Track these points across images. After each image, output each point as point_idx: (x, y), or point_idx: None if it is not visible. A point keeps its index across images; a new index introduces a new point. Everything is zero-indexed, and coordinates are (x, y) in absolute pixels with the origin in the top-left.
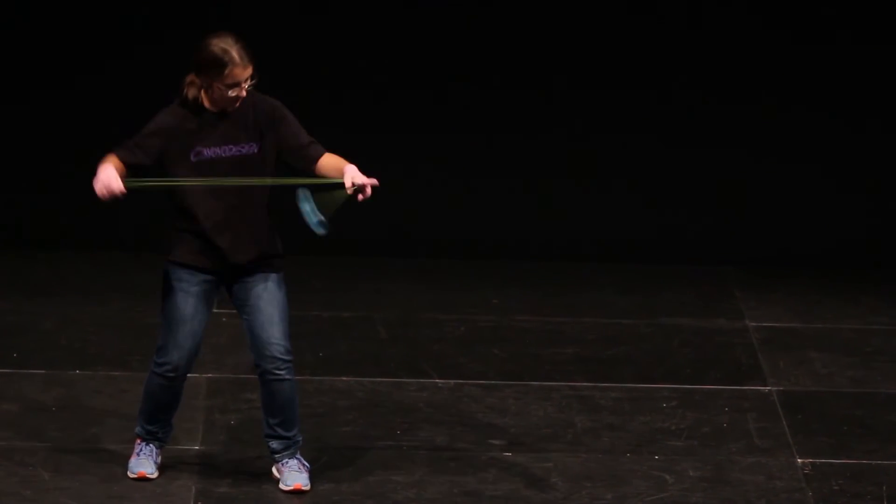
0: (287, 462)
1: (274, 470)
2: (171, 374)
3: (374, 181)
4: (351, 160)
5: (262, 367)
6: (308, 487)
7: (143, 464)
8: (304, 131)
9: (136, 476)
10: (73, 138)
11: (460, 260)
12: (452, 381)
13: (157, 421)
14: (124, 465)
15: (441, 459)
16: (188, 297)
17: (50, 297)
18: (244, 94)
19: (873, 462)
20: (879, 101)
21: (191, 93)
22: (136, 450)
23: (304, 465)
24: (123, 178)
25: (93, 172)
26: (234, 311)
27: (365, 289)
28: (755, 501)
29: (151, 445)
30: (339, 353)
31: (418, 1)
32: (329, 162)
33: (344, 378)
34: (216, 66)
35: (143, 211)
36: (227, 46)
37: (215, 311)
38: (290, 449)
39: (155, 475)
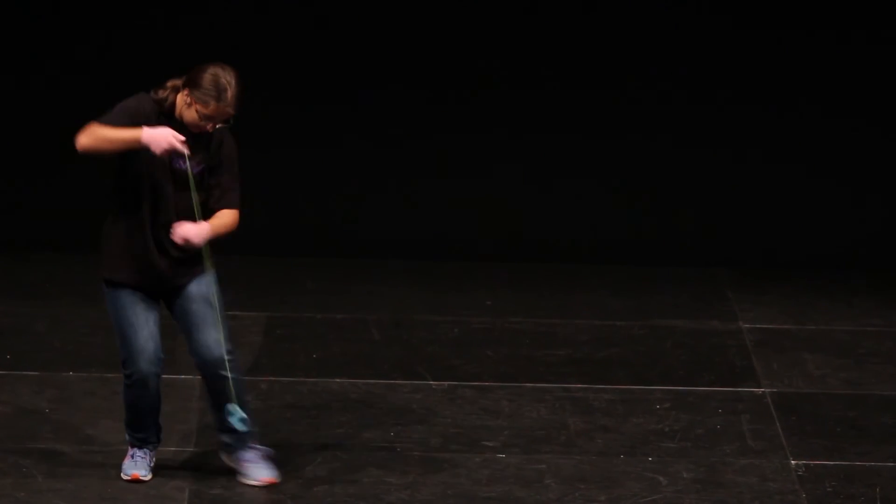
0: (244, 454)
1: (230, 463)
2: (144, 380)
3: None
4: (348, 161)
5: (206, 368)
6: (279, 480)
7: (137, 466)
8: (236, 180)
9: (129, 478)
10: (67, 140)
11: (454, 262)
12: (446, 383)
13: (144, 427)
14: (118, 467)
15: (434, 461)
16: (135, 307)
17: (43, 299)
18: (210, 129)
19: (866, 463)
20: (871, 102)
21: (169, 97)
22: (130, 452)
23: (261, 451)
24: None
25: (86, 174)
26: (228, 313)
27: (358, 290)
28: (748, 503)
29: (145, 449)
30: (332, 355)
31: (418, 4)
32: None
33: (337, 379)
34: (207, 94)
35: None
36: (226, 84)
37: None
38: (243, 441)
39: (148, 477)
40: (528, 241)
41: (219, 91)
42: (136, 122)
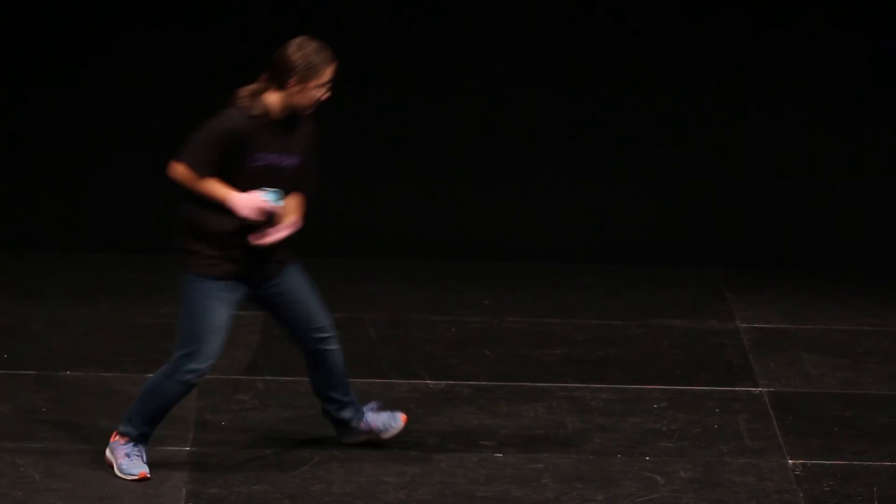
0: (369, 416)
1: (357, 436)
2: (197, 381)
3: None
4: (343, 161)
5: (319, 343)
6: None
7: (139, 464)
8: (317, 168)
9: (137, 477)
10: (63, 140)
11: (451, 261)
12: (443, 383)
13: (156, 423)
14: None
15: (432, 460)
16: (223, 308)
17: (40, 299)
18: (326, 95)
19: (864, 463)
20: (868, 103)
21: (257, 104)
22: (123, 451)
23: (375, 403)
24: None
25: (84, 174)
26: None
27: (355, 290)
28: (746, 502)
29: (140, 445)
30: None
31: (418, 4)
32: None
33: None
34: (317, 67)
35: (132, 212)
36: (319, 47)
37: None
38: (358, 410)
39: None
40: (526, 240)
41: (319, 57)
42: (225, 147)
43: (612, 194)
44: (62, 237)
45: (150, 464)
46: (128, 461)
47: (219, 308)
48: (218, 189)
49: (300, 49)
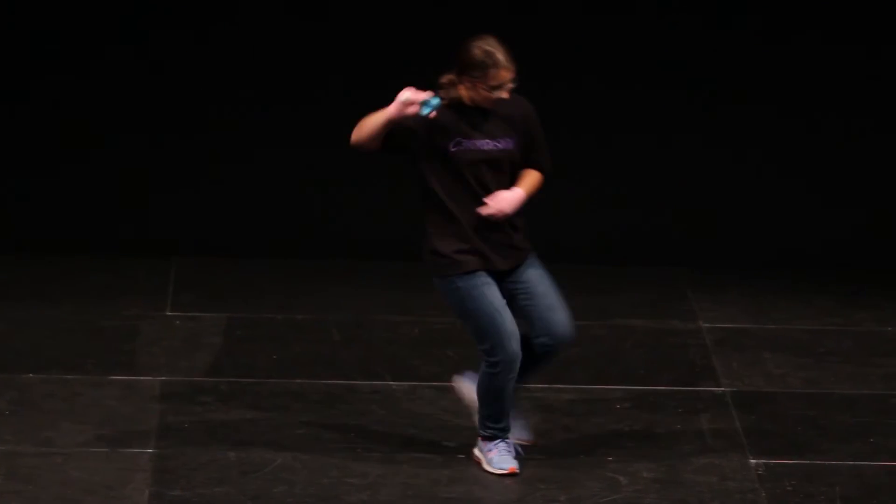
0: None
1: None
2: (514, 362)
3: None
4: (310, 162)
5: (554, 347)
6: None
7: (508, 459)
8: (545, 145)
9: (506, 472)
10: (24, 142)
11: (414, 262)
12: (406, 384)
13: (506, 414)
14: (78, 469)
15: (395, 461)
16: (492, 289)
17: (2, 300)
18: (506, 95)
19: (826, 462)
20: (837, 103)
21: (450, 93)
22: (489, 447)
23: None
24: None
25: (46, 175)
26: (188, 314)
27: (318, 291)
28: (708, 502)
29: (507, 440)
30: (292, 356)
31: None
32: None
33: (297, 380)
34: (481, 68)
35: (97, 213)
36: (492, 49)
37: (168, 314)
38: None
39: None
40: None
41: (488, 60)
42: (416, 129)
43: (574, 193)
44: (25, 239)
45: (110, 466)
46: (498, 456)
47: (488, 294)
48: (378, 113)
49: (478, 49)
